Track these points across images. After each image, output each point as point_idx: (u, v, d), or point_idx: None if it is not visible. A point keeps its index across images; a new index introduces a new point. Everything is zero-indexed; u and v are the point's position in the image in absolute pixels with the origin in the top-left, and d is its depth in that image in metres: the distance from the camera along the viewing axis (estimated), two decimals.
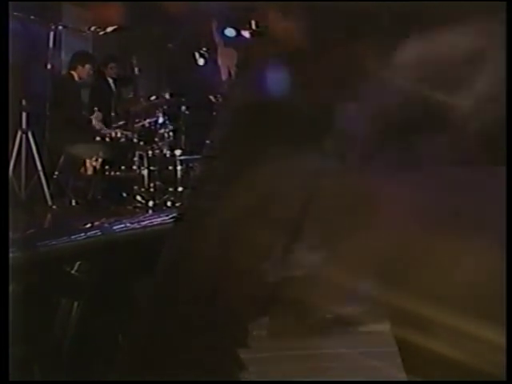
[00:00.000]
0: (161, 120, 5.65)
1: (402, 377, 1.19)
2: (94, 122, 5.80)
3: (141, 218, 3.87)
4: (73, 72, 5.95)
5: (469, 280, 1.12)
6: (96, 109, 5.85)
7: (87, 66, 5.98)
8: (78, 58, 6.03)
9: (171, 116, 5.79)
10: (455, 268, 1.13)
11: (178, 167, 5.43)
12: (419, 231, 1.16)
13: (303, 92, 1.23)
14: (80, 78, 5.95)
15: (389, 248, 1.17)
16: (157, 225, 3.23)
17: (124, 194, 5.37)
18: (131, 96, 6.37)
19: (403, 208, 1.16)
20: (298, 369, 1.30)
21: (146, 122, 5.66)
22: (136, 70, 6.16)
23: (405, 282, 1.16)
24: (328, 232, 1.22)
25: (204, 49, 5.66)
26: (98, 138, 5.53)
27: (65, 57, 6.33)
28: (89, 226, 3.13)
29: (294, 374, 1.30)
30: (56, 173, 5.34)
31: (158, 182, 5.36)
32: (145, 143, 5.48)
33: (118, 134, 5.56)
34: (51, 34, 5.39)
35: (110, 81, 6.38)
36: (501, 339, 1.05)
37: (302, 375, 1.29)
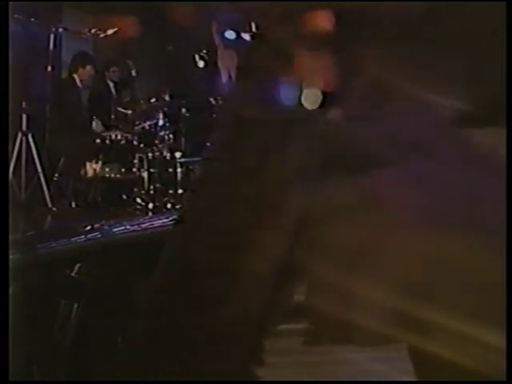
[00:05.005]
0: (161, 122, 5.65)
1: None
2: (94, 125, 5.79)
3: (141, 220, 3.87)
4: (74, 75, 5.88)
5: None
6: (94, 117, 5.84)
7: (88, 68, 5.94)
8: (79, 60, 5.97)
9: (171, 118, 5.79)
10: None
11: (178, 169, 5.44)
12: None
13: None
14: (82, 80, 5.91)
15: None
16: (157, 227, 3.24)
17: (124, 197, 5.37)
18: (128, 99, 6.34)
19: None
20: (305, 374, 1.29)
21: (146, 125, 5.66)
22: (133, 72, 6.13)
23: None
24: None
25: (204, 51, 5.65)
26: (98, 141, 5.53)
27: (65, 59, 6.32)
28: (89, 228, 3.13)
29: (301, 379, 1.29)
30: (56, 175, 5.34)
31: (158, 185, 5.36)
32: (145, 145, 5.48)
33: (118, 137, 5.55)
34: (51, 36, 5.39)
35: (111, 84, 6.37)
36: (500, 340, 1.05)
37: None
